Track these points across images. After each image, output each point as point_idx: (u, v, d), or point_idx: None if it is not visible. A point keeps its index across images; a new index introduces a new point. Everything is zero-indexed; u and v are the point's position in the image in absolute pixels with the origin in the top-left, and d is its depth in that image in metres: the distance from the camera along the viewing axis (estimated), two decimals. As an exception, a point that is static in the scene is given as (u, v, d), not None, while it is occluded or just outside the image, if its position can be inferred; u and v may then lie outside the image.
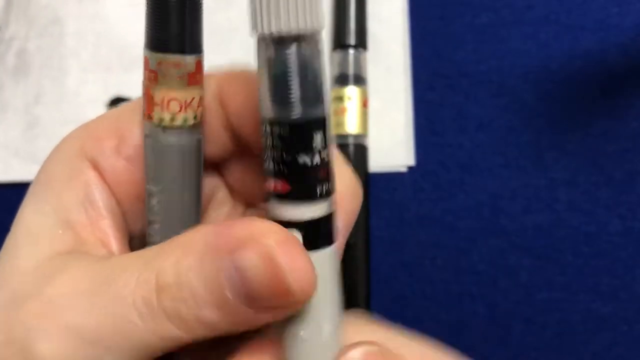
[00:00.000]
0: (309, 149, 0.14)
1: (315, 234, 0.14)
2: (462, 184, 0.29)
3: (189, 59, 0.16)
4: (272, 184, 0.14)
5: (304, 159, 0.14)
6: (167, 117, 0.16)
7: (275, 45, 0.14)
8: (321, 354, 0.14)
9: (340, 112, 0.28)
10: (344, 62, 0.29)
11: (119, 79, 0.30)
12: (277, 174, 0.14)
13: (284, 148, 0.14)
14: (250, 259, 0.13)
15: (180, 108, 0.16)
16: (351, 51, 0.29)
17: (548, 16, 0.31)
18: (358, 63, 0.29)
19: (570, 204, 0.29)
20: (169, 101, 0.16)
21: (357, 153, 0.28)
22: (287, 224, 0.14)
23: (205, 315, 0.13)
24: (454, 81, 0.30)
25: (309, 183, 0.14)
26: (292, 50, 0.13)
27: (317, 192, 0.14)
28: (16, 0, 0.31)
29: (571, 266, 0.29)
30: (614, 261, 0.29)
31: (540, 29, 0.31)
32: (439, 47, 0.31)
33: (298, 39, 0.13)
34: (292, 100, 0.14)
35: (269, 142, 0.14)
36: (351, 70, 0.28)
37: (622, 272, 0.29)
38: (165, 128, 0.16)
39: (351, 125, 0.28)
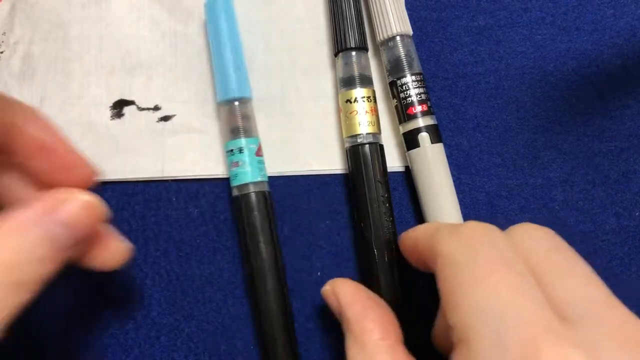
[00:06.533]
0: (424, 87, 0.29)
1: (436, 132, 0.28)
2: (460, 183, 0.30)
3: None
4: (418, 107, 0.28)
5: (426, 94, 0.29)
6: None
7: (389, 43, 0.29)
8: None
9: (351, 113, 0.28)
10: (348, 65, 0.29)
11: (122, 82, 0.31)
12: (420, 102, 0.28)
13: (419, 89, 0.28)
14: (74, 211, 0.19)
15: None
16: (353, 53, 0.29)
17: (544, 18, 0.31)
18: (361, 64, 0.29)
19: (566, 203, 0.30)
20: None
21: (372, 151, 0.28)
22: (425, 127, 0.28)
23: (44, 274, 0.18)
24: (452, 82, 0.31)
25: (431, 105, 0.29)
26: (399, 42, 0.29)
27: (434, 112, 0.29)
28: (20, 5, 0.32)
29: (568, 264, 0.29)
30: (610, 259, 0.29)
31: (536, 31, 0.31)
32: (436, 49, 0.31)
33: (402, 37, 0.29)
34: (407, 66, 0.29)
35: (409, 91, 0.28)
36: (356, 72, 0.29)
37: (619, 270, 0.29)
38: None
39: (363, 125, 0.28)
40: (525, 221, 0.29)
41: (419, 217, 0.29)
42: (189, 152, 0.30)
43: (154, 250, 0.30)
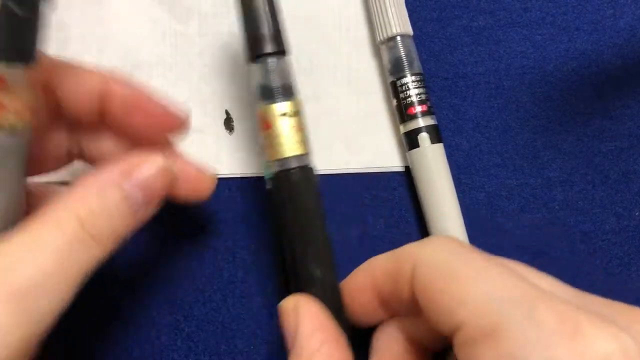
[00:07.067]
0: (424, 88, 0.29)
1: (436, 132, 0.28)
2: (460, 183, 0.30)
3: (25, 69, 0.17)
4: (418, 108, 0.28)
5: (426, 94, 0.29)
6: (15, 122, 0.18)
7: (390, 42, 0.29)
8: None
9: (273, 133, 0.23)
10: (267, 74, 0.23)
11: (122, 82, 0.31)
12: (420, 102, 0.28)
13: (420, 89, 0.28)
14: (149, 172, 0.20)
15: (25, 112, 0.18)
16: (270, 60, 0.23)
17: (544, 18, 0.31)
18: (282, 72, 0.24)
19: (566, 203, 0.30)
20: (23, 108, 0.17)
21: (302, 177, 0.23)
22: (425, 127, 0.28)
23: (119, 232, 0.20)
24: (452, 82, 0.31)
25: (431, 105, 0.29)
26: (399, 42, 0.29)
27: (434, 112, 0.29)
28: (21, 5, 0.32)
29: (567, 264, 0.29)
30: (610, 259, 0.29)
31: (536, 31, 0.31)
32: (436, 49, 0.31)
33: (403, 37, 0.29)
34: (407, 66, 0.29)
35: (409, 91, 0.28)
36: (276, 82, 0.23)
37: (618, 270, 0.29)
38: (9, 131, 0.18)
39: (290, 147, 0.23)
40: (525, 221, 0.29)
41: (420, 217, 0.29)
42: (189, 152, 0.30)
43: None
